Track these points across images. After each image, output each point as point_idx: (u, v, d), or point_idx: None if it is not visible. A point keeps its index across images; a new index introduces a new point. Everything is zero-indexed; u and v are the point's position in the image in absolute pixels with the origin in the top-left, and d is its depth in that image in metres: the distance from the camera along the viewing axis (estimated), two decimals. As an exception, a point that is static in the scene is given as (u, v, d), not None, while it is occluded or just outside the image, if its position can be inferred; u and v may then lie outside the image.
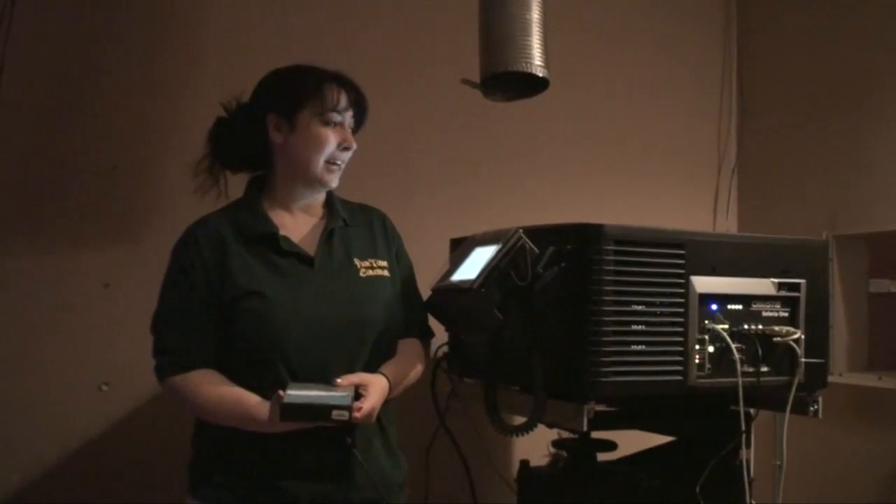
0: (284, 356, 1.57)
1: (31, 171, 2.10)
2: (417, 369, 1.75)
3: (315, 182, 1.68)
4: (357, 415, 1.47)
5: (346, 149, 1.68)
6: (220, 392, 1.56)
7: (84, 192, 2.12)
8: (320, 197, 1.75)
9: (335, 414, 1.42)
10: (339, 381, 1.54)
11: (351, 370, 1.59)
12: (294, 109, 1.64)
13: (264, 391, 1.51)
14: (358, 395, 1.53)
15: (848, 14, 2.50)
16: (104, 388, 2.12)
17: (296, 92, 1.65)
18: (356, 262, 1.70)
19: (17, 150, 2.09)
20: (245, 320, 1.58)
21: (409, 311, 1.76)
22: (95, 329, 2.11)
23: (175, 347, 1.60)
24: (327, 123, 1.65)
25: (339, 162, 1.68)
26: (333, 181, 1.70)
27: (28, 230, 2.09)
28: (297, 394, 1.45)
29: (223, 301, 1.59)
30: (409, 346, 1.76)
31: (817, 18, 2.62)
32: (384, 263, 1.74)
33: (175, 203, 2.12)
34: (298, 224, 1.71)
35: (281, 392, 1.45)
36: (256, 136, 1.68)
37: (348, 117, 1.69)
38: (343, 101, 1.67)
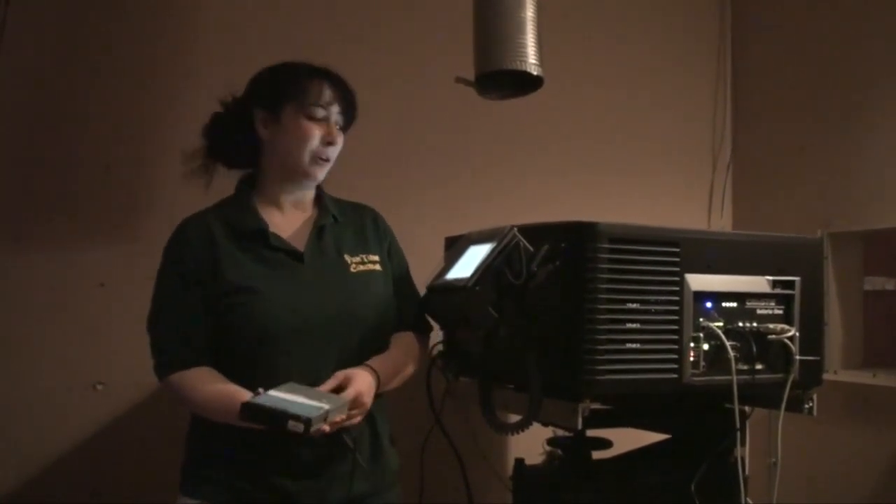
0: (275, 350, 1.57)
1: (24, 172, 2.09)
2: (412, 361, 1.75)
3: (301, 177, 1.68)
4: (325, 428, 1.45)
5: (330, 144, 1.67)
6: (215, 389, 1.55)
7: (78, 191, 2.12)
8: (309, 193, 1.75)
9: (290, 425, 1.37)
10: (319, 388, 1.52)
11: (342, 364, 1.59)
12: (278, 104, 1.65)
13: (257, 386, 1.51)
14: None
15: (843, 11, 2.51)
16: (99, 387, 2.11)
17: (280, 87, 1.66)
18: (346, 257, 1.70)
19: (11, 150, 2.08)
20: (236, 315, 1.58)
21: (403, 305, 1.77)
22: (90, 328, 2.11)
23: (172, 346, 1.60)
24: (311, 118, 1.65)
25: (324, 157, 1.67)
26: (320, 175, 1.69)
27: (23, 230, 2.08)
28: (272, 395, 1.44)
29: (214, 296, 1.59)
30: (402, 340, 1.76)
31: (812, 15, 2.62)
32: (375, 258, 1.74)
33: (169, 202, 2.12)
34: (288, 221, 1.71)
35: (261, 390, 1.45)
36: (245, 132, 1.69)
37: (334, 112, 1.67)
38: (327, 95, 1.66)
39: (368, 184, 2.15)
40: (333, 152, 1.69)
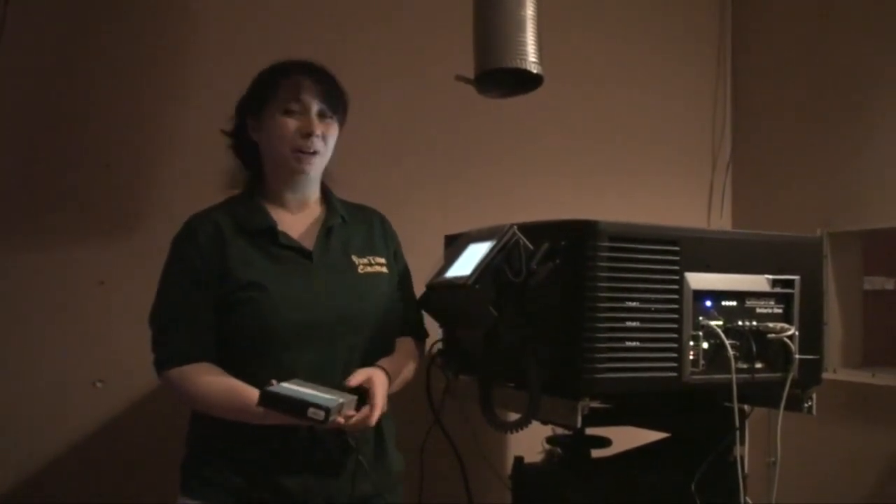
0: (282, 348, 1.57)
1: (24, 170, 2.09)
2: (412, 367, 1.76)
3: (290, 171, 1.68)
4: (340, 419, 1.46)
5: (309, 135, 1.64)
6: (217, 383, 1.55)
7: (78, 190, 2.12)
8: (313, 192, 1.75)
9: (311, 412, 1.39)
10: (349, 381, 1.54)
11: (349, 364, 1.60)
12: (261, 108, 1.67)
13: (263, 383, 1.50)
14: (362, 403, 1.53)
15: (843, 11, 2.51)
16: (98, 384, 2.11)
17: (260, 91, 1.68)
18: (354, 258, 1.70)
19: (11, 149, 2.08)
20: (244, 311, 1.58)
21: (403, 310, 1.78)
22: (90, 326, 2.11)
23: (173, 340, 1.60)
24: (287, 113, 1.64)
25: (305, 149, 1.64)
26: (308, 168, 1.67)
27: (23, 228, 2.08)
28: (286, 386, 1.45)
29: (222, 293, 1.59)
30: (404, 345, 1.77)
31: (812, 15, 2.62)
32: (382, 260, 1.74)
33: (169, 200, 2.12)
34: (296, 221, 1.71)
35: (274, 381, 1.45)
36: (243, 139, 1.72)
37: (314, 104, 1.65)
38: (302, 87, 1.65)
39: (368, 182, 2.16)
40: (318, 143, 1.65)
